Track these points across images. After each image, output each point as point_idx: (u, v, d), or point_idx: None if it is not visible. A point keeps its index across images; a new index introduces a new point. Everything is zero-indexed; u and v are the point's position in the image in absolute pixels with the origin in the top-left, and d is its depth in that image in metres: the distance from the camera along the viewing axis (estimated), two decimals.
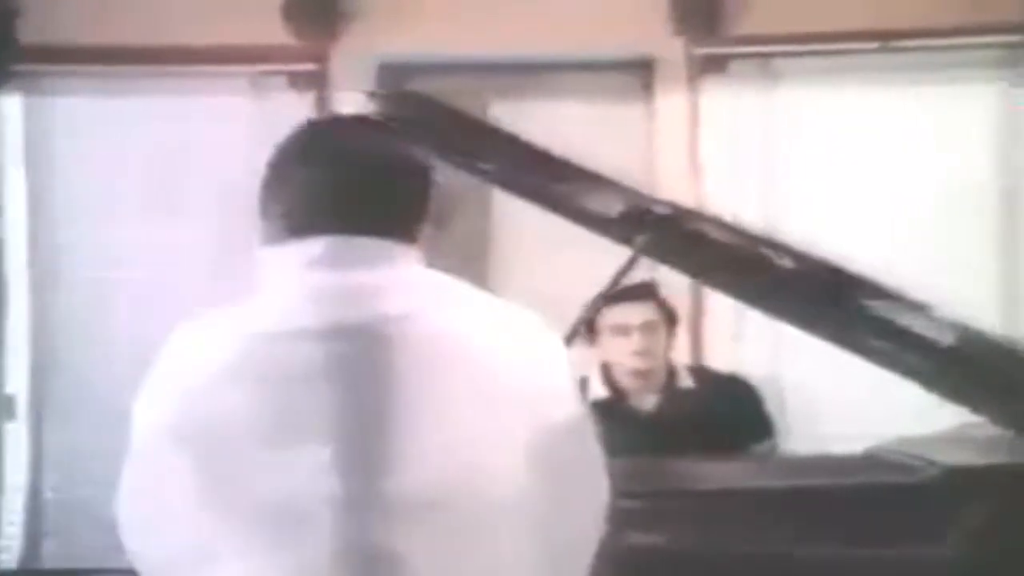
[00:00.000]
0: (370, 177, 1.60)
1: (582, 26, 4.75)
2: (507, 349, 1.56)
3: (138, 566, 1.56)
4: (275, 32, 4.72)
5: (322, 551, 1.45)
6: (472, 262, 5.04)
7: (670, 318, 3.59)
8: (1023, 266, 4.55)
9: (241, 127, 4.72)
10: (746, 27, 4.67)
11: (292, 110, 4.73)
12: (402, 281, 1.56)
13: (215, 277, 4.72)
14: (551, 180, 2.92)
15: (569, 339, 3.56)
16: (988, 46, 4.63)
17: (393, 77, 4.88)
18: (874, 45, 4.61)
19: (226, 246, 4.76)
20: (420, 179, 1.63)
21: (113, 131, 4.76)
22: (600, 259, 5.05)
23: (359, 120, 1.75)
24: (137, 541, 1.56)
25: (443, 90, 5.09)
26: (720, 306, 4.36)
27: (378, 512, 1.46)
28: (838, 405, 4.42)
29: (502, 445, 1.50)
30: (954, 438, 2.85)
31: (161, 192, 4.77)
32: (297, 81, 4.76)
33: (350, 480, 1.46)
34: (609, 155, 4.88)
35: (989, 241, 4.55)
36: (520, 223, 5.03)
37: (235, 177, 4.72)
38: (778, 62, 4.68)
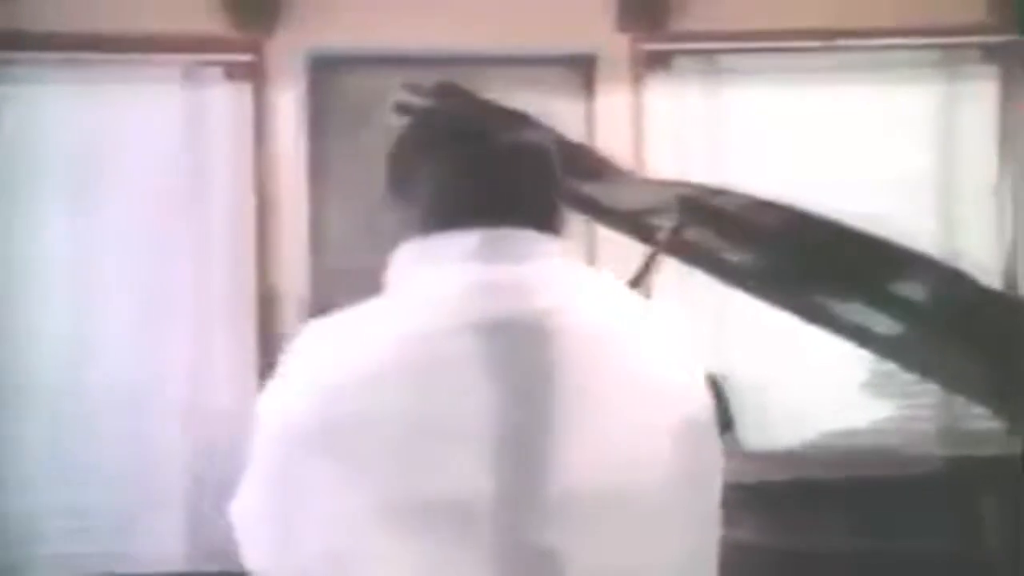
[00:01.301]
0: (518, 166, 1.54)
1: (523, 21, 4.72)
2: (649, 341, 1.53)
3: None
4: (211, 22, 4.61)
5: (482, 552, 1.40)
6: None
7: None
8: (960, 258, 4.61)
9: (173, 118, 4.62)
10: (691, 24, 4.67)
11: (226, 102, 4.65)
12: (554, 274, 1.51)
13: (138, 270, 4.63)
14: (585, 177, 2.83)
15: None
16: (927, 47, 4.71)
17: (327, 70, 4.80)
18: (817, 44, 4.65)
19: (152, 240, 4.65)
20: (556, 167, 1.58)
21: (37, 120, 4.60)
22: None
23: (485, 105, 1.65)
24: (269, 549, 1.47)
25: (377, 84, 5.04)
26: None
27: (539, 511, 1.41)
28: (782, 405, 4.44)
29: (651, 439, 1.47)
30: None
31: (86, 182, 4.62)
32: (233, 72, 4.65)
33: (510, 478, 1.41)
34: None
35: (927, 235, 4.61)
36: None
37: (165, 170, 4.68)
38: (723, 59, 4.69)
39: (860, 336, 2.73)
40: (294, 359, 1.50)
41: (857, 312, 2.64)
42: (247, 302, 4.65)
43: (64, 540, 4.54)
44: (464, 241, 1.48)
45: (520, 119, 1.60)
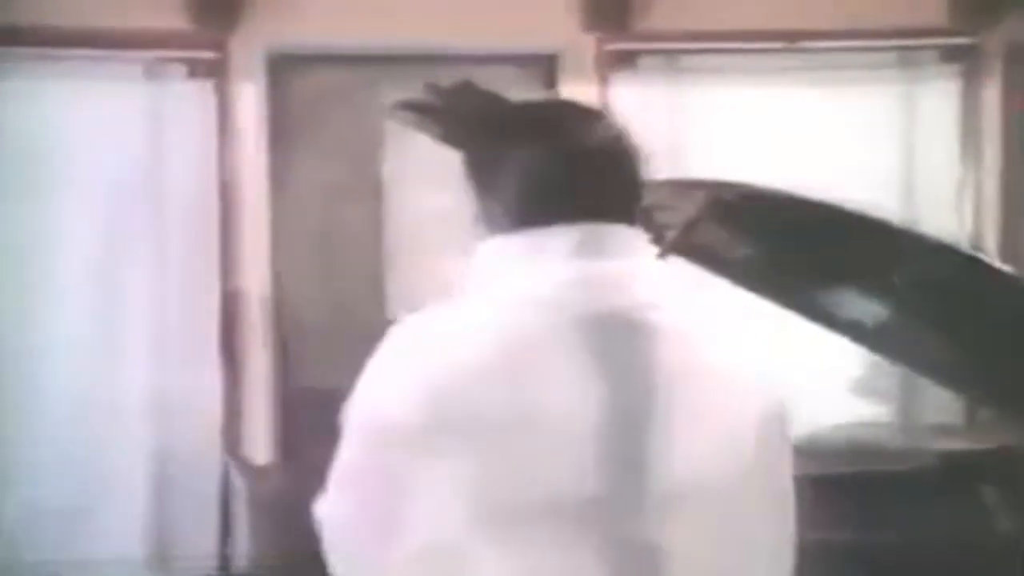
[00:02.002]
0: (610, 161, 1.53)
1: (487, 19, 4.72)
2: (727, 336, 1.55)
3: None
4: (173, 18, 4.56)
5: (587, 549, 1.40)
6: (366, 254, 4.96)
7: None
8: None
9: (135, 116, 4.57)
10: (655, 23, 4.68)
11: (189, 100, 4.61)
12: (646, 270, 1.52)
13: (98, 268, 4.58)
14: None
15: None
16: (887, 48, 4.75)
17: (289, 67, 4.78)
18: (779, 45, 4.68)
19: (112, 238, 4.60)
20: (640, 162, 1.57)
21: None
22: None
23: (572, 103, 1.63)
24: (364, 552, 1.46)
25: (339, 81, 5.03)
26: None
27: (642, 507, 1.42)
28: None
29: (738, 433, 1.49)
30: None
31: (44, 179, 4.55)
32: (196, 70, 4.60)
33: (614, 475, 1.41)
34: None
35: None
36: (417, 218, 4.97)
37: (126, 167, 4.63)
38: (687, 59, 4.70)
39: (859, 332, 2.74)
40: (391, 357, 1.47)
41: (858, 307, 2.65)
42: (210, 301, 4.61)
43: (23, 541, 4.48)
44: (563, 237, 1.48)
45: (600, 114, 1.59)
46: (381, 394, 1.45)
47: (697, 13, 4.64)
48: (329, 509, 1.50)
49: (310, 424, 4.68)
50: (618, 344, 1.45)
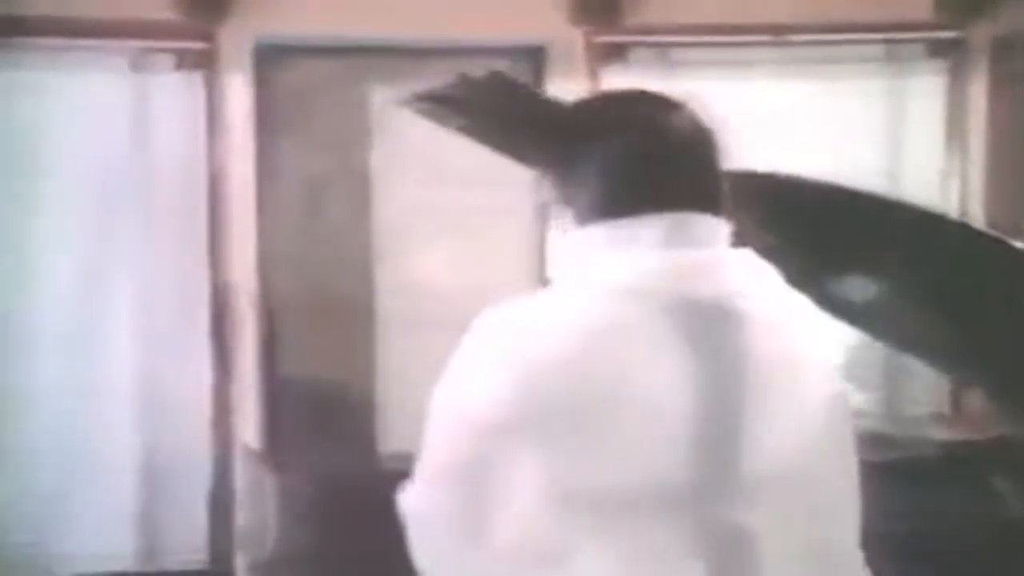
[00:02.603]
0: (697, 151, 1.56)
1: (477, 12, 4.71)
2: (808, 324, 1.59)
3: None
4: (162, 8, 4.51)
5: (683, 535, 1.42)
6: (354, 251, 4.95)
7: None
8: None
9: (122, 107, 4.53)
10: (644, 17, 4.69)
11: (177, 91, 4.58)
12: (732, 259, 1.55)
13: (86, 261, 4.54)
14: None
15: None
16: (874, 42, 4.77)
17: (277, 58, 4.75)
18: (768, 38, 4.69)
19: (99, 231, 4.57)
20: (721, 151, 1.61)
21: None
22: (480, 247, 5.07)
23: (652, 93, 1.63)
24: (454, 543, 1.47)
25: (327, 73, 5.01)
26: None
27: (734, 492, 1.44)
28: None
29: (816, 417, 1.53)
30: None
31: (31, 172, 4.51)
32: (184, 61, 4.57)
33: (708, 461, 1.44)
34: None
35: None
36: (403, 211, 4.96)
37: (113, 159, 4.59)
38: (676, 52, 4.71)
39: (851, 312, 2.73)
40: (479, 348, 1.48)
41: (851, 285, 2.64)
42: (199, 293, 4.58)
43: (8, 535, 4.44)
44: (653, 226, 1.50)
45: (680, 104, 1.61)
46: (470, 386, 1.46)
47: (686, 6, 4.64)
48: (416, 502, 1.51)
49: (298, 413, 4.71)
50: (708, 332, 1.47)
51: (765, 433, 1.47)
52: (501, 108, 2.55)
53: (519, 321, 1.48)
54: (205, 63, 4.58)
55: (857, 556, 1.56)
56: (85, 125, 4.51)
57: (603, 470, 1.41)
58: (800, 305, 1.60)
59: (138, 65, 4.53)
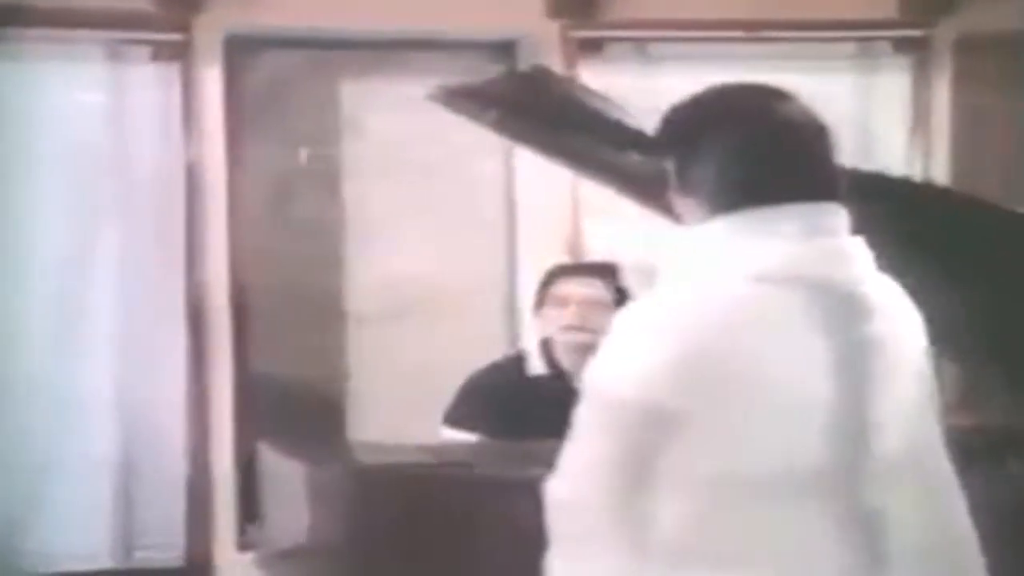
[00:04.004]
0: (820, 141, 1.61)
1: (450, 5, 4.71)
2: (907, 307, 1.64)
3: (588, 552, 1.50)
4: None
5: (821, 517, 1.46)
6: (327, 243, 4.93)
7: (623, 303, 3.53)
8: None
9: (96, 99, 4.47)
10: (621, 11, 4.73)
11: (153, 82, 4.52)
12: (856, 245, 1.59)
13: (60, 256, 4.47)
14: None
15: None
16: (843, 39, 4.87)
17: (248, 51, 4.71)
18: (742, 34, 4.76)
19: (73, 226, 4.49)
20: (835, 140, 1.65)
21: None
22: (451, 240, 5.07)
23: (768, 87, 1.67)
24: (593, 535, 1.48)
25: (300, 66, 4.97)
26: None
27: (865, 473, 1.49)
28: None
29: (923, 399, 1.59)
30: None
31: (5, 164, 4.42)
32: (160, 52, 4.50)
33: (844, 445, 1.48)
34: (467, 139, 4.90)
35: None
36: (374, 204, 4.96)
37: (87, 151, 4.51)
38: (653, 46, 4.76)
39: None
40: (633, 336, 1.51)
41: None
42: (176, 287, 4.53)
43: None
44: (793, 216, 1.53)
45: (793, 95, 1.65)
46: (622, 375, 1.49)
47: (663, 1, 4.70)
48: (565, 491, 1.52)
49: (271, 410, 4.67)
50: (842, 317, 1.52)
51: (889, 416, 1.52)
52: (540, 103, 2.56)
53: (669, 310, 1.51)
54: (181, 55, 4.53)
55: (974, 540, 1.61)
56: (60, 116, 4.43)
57: (750, 455, 1.45)
58: (896, 289, 1.65)
59: (114, 56, 4.46)
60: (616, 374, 1.50)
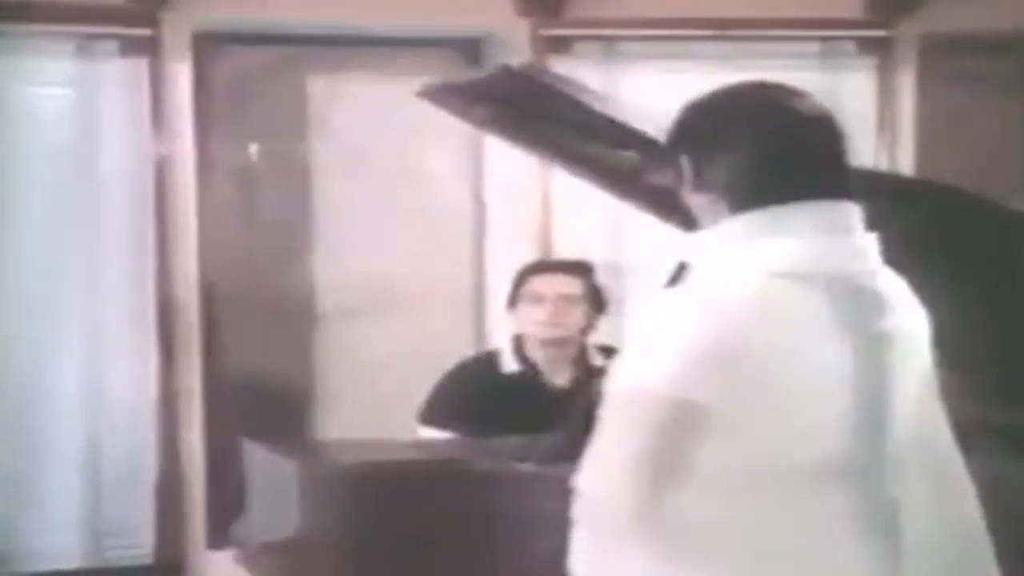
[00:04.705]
0: (840, 141, 1.64)
1: (421, 2, 4.71)
2: (914, 301, 1.66)
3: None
4: None
5: (842, 508, 1.49)
6: (295, 239, 4.92)
7: (596, 300, 3.56)
8: None
9: (66, 93, 4.43)
10: (591, 9, 4.75)
11: (121, 77, 4.49)
12: (869, 240, 1.62)
13: (26, 254, 4.42)
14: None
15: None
16: (809, 39, 4.92)
17: (213, 47, 4.69)
18: (710, 32, 4.80)
19: (40, 224, 4.45)
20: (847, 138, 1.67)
21: None
22: (418, 238, 5.07)
23: (785, 85, 1.68)
24: (635, 520, 1.50)
25: (267, 61, 4.95)
26: None
27: (881, 465, 1.52)
28: None
29: (931, 390, 1.63)
30: None
31: None
32: (128, 47, 4.47)
33: (863, 436, 1.51)
34: (435, 136, 4.90)
35: None
36: (342, 201, 4.95)
37: (55, 147, 4.47)
38: (621, 45, 4.79)
39: None
40: (659, 330, 1.52)
41: None
42: (145, 284, 4.50)
43: None
44: (812, 213, 1.56)
45: (809, 95, 1.66)
46: (648, 372, 1.50)
47: (631, 0, 4.73)
48: (593, 484, 1.53)
49: (240, 407, 4.65)
50: (859, 311, 1.55)
51: (904, 407, 1.55)
52: (531, 100, 2.57)
53: (695, 305, 1.53)
54: (149, 50, 4.49)
55: (983, 527, 1.63)
56: (27, 112, 4.38)
57: (776, 448, 1.47)
58: (904, 284, 1.68)
59: (82, 51, 4.42)
60: (644, 370, 1.51)
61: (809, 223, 1.55)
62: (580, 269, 3.55)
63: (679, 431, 1.46)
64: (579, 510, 1.52)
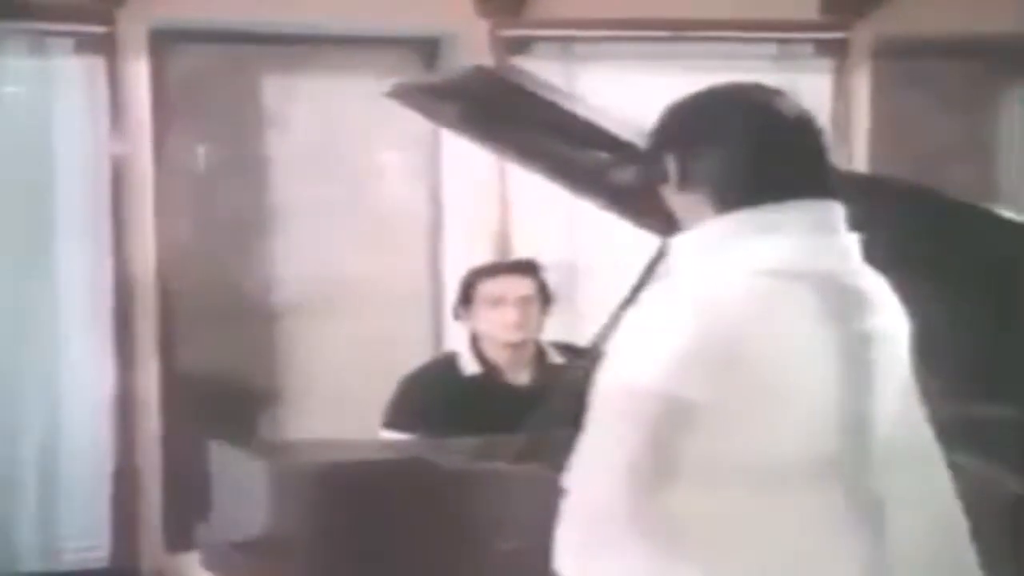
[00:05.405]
0: (820, 141, 1.66)
1: (379, 1, 4.70)
2: (894, 300, 1.67)
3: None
4: None
5: (829, 505, 1.51)
6: (252, 238, 4.89)
7: (545, 297, 3.58)
8: None
9: (20, 91, 4.38)
10: (549, 10, 4.76)
11: (77, 74, 4.45)
12: (852, 239, 1.63)
13: None
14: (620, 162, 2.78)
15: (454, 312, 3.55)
16: (766, 40, 4.96)
17: (169, 45, 4.66)
18: (667, 34, 4.82)
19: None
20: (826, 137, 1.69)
21: None
22: (377, 235, 5.06)
23: (768, 87, 1.69)
24: (631, 522, 1.49)
25: (221, 60, 4.92)
26: None
27: (868, 462, 1.53)
28: None
29: (912, 387, 1.64)
30: None
31: None
32: (84, 45, 4.43)
33: (851, 434, 1.52)
34: (391, 135, 4.90)
35: None
36: (299, 200, 4.93)
37: (9, 150, 4.41)
38: (579, 45, 4.80)
39: None
40: (646, 329, 1.53)
41: None
42: (102, 283, 4.46)
43: None
44: (798, 212, 1.57)
45: (789, 96, 1.68)
46: (637, 369, 1.50)
47: (589, 1, 4.74)
48: (579, 487, 1.52)
49: (196, 405, 4.62)
50: (845, 310, 1.56)
51: (888, 404, 1.57)
52: (503, 100, 2.56)
53: (684, 302, 1.53)
54: (105, 47, 4.45)
55: (965, 523, 1.65)
56: None
57: (765, 445, 1.48)
58: (884, 283, 1.69)
59: (37, 48, 4.38)
60: (633, 367, 1.51)
61: (796, 222, 1.56)
62: (531, 269, 3.56)
63: (669, 428, 1.46)
64: (569, 509, 1.52)
